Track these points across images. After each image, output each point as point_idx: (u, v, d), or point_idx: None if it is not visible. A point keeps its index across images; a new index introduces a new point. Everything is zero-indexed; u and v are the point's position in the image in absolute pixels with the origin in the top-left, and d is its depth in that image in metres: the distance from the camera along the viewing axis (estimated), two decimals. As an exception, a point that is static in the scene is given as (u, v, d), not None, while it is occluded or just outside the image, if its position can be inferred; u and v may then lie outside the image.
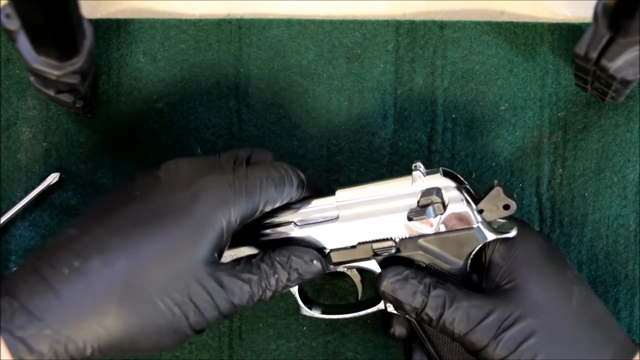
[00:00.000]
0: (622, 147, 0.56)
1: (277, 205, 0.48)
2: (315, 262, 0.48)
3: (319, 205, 0.50)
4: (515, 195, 0.55)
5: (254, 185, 0.46)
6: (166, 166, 0.48)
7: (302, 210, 0.50)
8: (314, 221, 0.50)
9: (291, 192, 0.48)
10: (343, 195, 0.50)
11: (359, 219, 0.49)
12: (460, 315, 0.45)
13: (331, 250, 0.50)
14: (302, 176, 0.49)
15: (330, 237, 0.50)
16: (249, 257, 0.47)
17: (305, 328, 0.57)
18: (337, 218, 0.49)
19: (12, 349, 0.40)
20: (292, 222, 0.50)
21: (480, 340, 0.45)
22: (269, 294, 0.46)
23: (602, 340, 0.45)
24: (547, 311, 0.45)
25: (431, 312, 0.46)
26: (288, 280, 0.47)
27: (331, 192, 0.50)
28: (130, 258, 0.43)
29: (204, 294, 0.44)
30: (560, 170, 0.56)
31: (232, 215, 0.45)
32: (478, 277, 0.49)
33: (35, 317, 0.41)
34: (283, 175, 0.47)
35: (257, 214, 0.47)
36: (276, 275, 0.46)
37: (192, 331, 0.44)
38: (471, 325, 0.45)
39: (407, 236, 0.49)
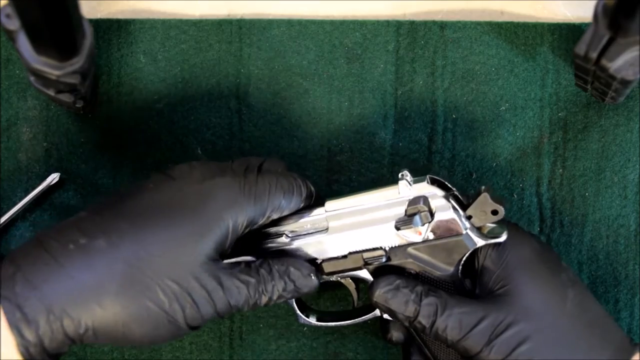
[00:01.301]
0: (622, 147, 0.56)
1: (285, 213, 0.48)
2: (312, 276, 0.48)
3: (308, 216, 0.50)
4: (512, 197, 0.56)
5: (263, 191, 0.47)
6: (180, 167, 0.49)
7: (293, 222, 0.50)
8: (305, 232, 0.50)
9: (299, 202, 0.49)
10: (332, 205, 0.50)
11: (349, 229, 0.50)
12: (452, 322, 0.46)
13: (323, 261, 0.50)
14: (312, 187, 0.50)
15: (321, 248, 0.50)
16: (248, 262, 0.47)
17: (305, 328, 0.57)
18: (327, 229, 0.50)
19: (10, 317, 0.41)
20: (284, 233, 0.50)
21: (473, 347, 0.45)
22: (264, 299, 0.47)
23: (599, 342, 0.46)
24: (540, 315, 0.45)
25: (424, 320, 0.46)
26: (284, 289, 0.47)
27: (320, 203, 0.50)
28: (136, 243, 0.44)
29: (202, 289, 0.44)
30: (561, 170, 0.56)
31: (239, 217, 0.46)
32: (471, 282, 0.49)
33: (35, 287, 0.42)
34: (292, 185, 0.48)
35: (263, 219, 0.47)
36: (273, 282, 0.47)
37: (187, 326, 0.45)
38: (464, 332, 0.45)
39: (397, 245, 0.49)
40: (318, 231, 0.50)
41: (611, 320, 0.47)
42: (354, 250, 0.50)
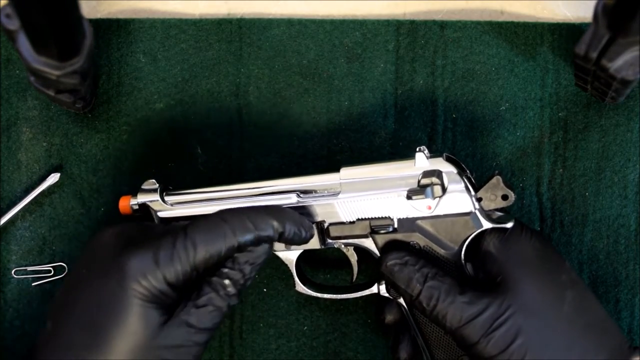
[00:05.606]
0: (622, 147, 0.56)
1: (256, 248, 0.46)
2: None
3: (323, 181, 0.51)
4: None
5: (184, 250, 0.44)
6: (92, 246, 0.47)
7: (306, 183, 0.51)
8: (316, 194, 0.51)
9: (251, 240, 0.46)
10: (347, 172, 0.51)
11: (360, 195, 0.50)
12: (453, 309, 0.46)
13: (330, 224, 0.51)
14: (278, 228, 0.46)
15: (330, 211, 0.51)
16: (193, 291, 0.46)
17: (305, 328, 0.57)
18: (338, 193, 0.51)
19: None
20: (296, 191, 0.51)
21: (471, 336, 0.46)
22: (237, 286, 0.45)
23: (594, 345, 0.46)
24: (536, 313, 0.46)
25: (424, 301, 0.47)
26: (244, 276, 0.45)
27: (336, 169, 0.51)
28: (96, 354, 0.43)
29: (174, 350, 0.44)
30: (561, 170, 0.56)
31: (153, 282, 0.44)
32: (473, 268, 0.50)
33: None
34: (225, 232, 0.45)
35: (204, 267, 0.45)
36: (227, 280, 0.45)
37: None
38: (464, 321, 0.46)
39: (405, 216, 0.49)
40: (329, 195, 0.51)
41: (611, 324, 0.47)
42: (363, 217, 0.50)
